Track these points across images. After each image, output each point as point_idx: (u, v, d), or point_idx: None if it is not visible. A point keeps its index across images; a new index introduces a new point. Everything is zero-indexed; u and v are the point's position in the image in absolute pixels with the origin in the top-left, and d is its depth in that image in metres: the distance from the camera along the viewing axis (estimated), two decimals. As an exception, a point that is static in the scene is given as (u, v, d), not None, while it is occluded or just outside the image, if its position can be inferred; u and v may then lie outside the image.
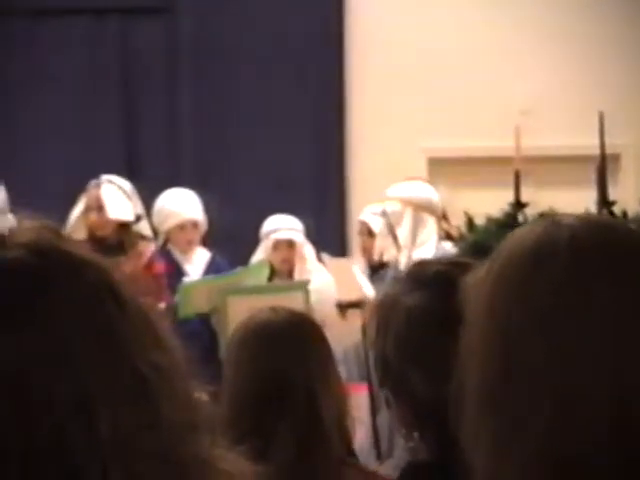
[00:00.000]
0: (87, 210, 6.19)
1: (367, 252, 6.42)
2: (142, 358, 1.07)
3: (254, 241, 6.56)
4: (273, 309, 2.36)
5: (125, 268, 5.59)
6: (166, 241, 6.41)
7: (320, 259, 6.40)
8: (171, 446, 1.06)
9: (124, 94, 8.57)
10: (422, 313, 1.85)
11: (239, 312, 5.31)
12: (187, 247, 6.39)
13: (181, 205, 6.38)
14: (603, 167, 6.78)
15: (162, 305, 6.05)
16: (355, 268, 6.26)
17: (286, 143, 8.38)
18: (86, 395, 1.01)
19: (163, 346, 1.10)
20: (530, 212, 6.28)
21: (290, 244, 6.34)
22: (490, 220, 6.43)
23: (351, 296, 5.96)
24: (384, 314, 1.91)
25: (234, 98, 8.39)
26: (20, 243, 1.07)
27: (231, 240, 6.87)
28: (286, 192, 8.00)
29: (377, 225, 6.27)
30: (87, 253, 1.11)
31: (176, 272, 6.30)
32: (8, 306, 1.02)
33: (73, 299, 1.05)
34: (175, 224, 6.30)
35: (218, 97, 8.38)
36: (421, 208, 6.20)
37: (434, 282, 1.90)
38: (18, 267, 1.04)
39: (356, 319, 5.89)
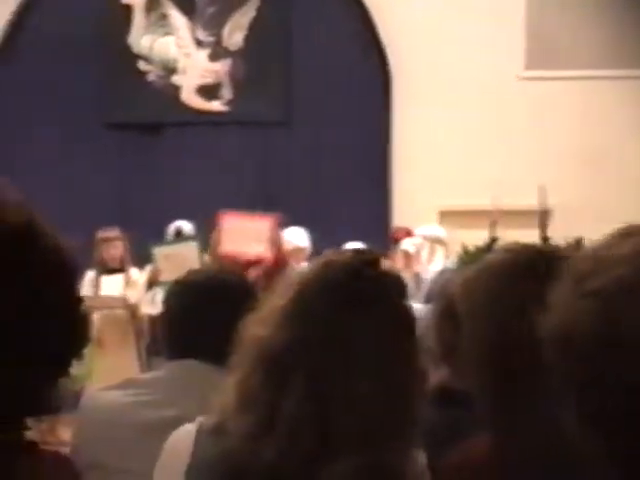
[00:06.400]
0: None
1: (407, 265, 7.08)
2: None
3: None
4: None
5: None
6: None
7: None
8: None
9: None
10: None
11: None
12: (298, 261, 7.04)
13: (297, 238, 7.59)
14: (544, 218, 8.32)
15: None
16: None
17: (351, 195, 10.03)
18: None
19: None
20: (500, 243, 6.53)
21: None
22: (476, 249, 7.77)
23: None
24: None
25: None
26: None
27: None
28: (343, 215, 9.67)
29: (412, 249, 7.22)
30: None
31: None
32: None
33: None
34: (292, 248, 7.24)
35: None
36: (435, 242, 7.26)
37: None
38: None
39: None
